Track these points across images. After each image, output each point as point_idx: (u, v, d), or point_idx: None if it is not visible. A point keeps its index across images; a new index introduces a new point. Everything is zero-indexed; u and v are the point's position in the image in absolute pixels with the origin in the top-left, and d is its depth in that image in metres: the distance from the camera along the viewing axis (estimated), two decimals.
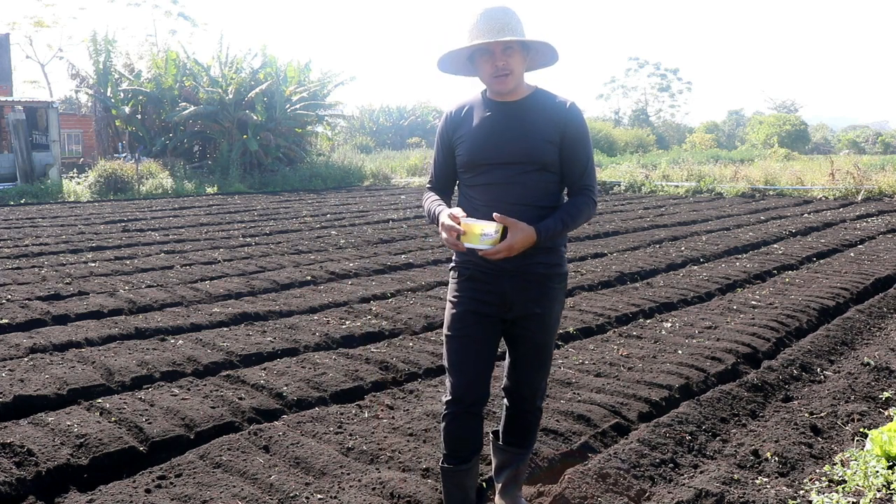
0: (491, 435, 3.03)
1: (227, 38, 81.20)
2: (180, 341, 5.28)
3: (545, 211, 2.60)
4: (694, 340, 5.31)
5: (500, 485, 2.95)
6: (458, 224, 2.49)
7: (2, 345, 5.12)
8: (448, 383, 2.71)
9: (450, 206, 2.73)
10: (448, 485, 2.76)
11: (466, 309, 2.68)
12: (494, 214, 2.49)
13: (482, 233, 2.46)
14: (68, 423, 3.71)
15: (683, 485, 3.07)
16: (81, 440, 3.52)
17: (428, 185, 2.88)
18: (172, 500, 3.05)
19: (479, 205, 2.63)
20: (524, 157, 2.58)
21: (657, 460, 3.28)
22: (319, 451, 3.45)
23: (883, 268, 8.00)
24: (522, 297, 2.64)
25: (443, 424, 2.74)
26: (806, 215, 13.91)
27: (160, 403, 4.04)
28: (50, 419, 3.77)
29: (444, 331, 2.75)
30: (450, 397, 2.70)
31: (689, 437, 3.57)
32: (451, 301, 2.74)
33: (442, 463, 2.76)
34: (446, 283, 7.46)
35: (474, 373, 2.68)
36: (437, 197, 2.79)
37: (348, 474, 3.25)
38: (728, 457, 3.43)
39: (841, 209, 15.10)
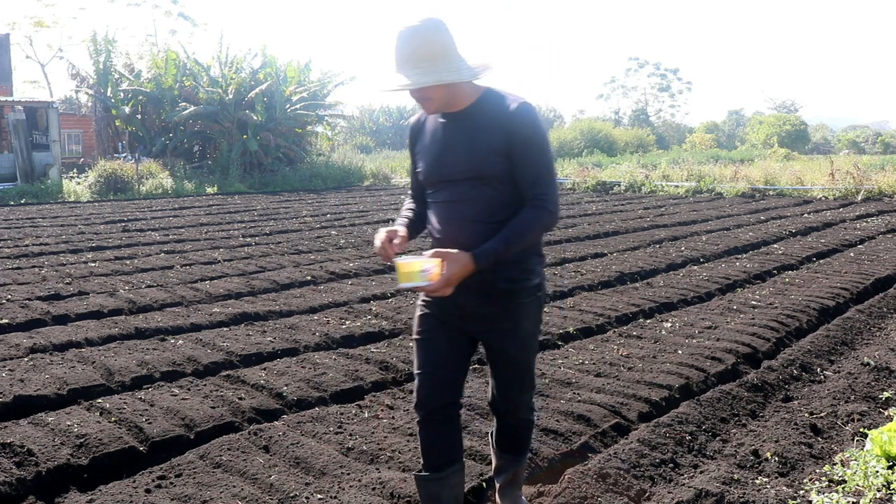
0: (489, 436, 3.00)
1: (227, 38, 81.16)
2: (180, 341, 5.28)
3: (500, 225, 2.44)
4: (694, 340, 5.31)
5: (499, 485, 2.93)
6: (393, 261, 2.40)
7: (2, 345, 5.12)
8: (414, 388, 2.66)
9: (413, 220, 2.72)
10: (422, 495, 2.66)
11: (431, 313, 2.63)
12: (430, 251, 2.39)
13: (421, 269, 2.35)
14: (68, 423, 3.71)
15: (683, 485, 3.07)
16: (81, 440, 3.52)
17: (409, 196, 2.82)
18: (172, 500, 3.05)
19: (435, 222, 2.56)
20: (470, 172, 2.45)
21: (657, 460, 3.29)
22: (319, 451, 3.45)
23: (883, 268, 8.00)
24: (485, 311, 2.54)
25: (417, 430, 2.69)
26: (806, 215, 13.91)
27: (160, 403, 4.04)
28: (50, 419, 3.77)
29: (413, 335, 2.70)
30: (414, 401, 2.65)
31: (689, 437, 3.57)
32: (419, 305, 2.69)
33: (418, 471, 2.69)
34: None
35: (436, 377, 2.60)
36: (411, 206, 2.76)
37: (348, 474, 3.25)
38: (728, 457, 3.43)
39: (841, 209, 15.10)
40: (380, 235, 2.52)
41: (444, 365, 2.61)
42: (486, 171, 2.44)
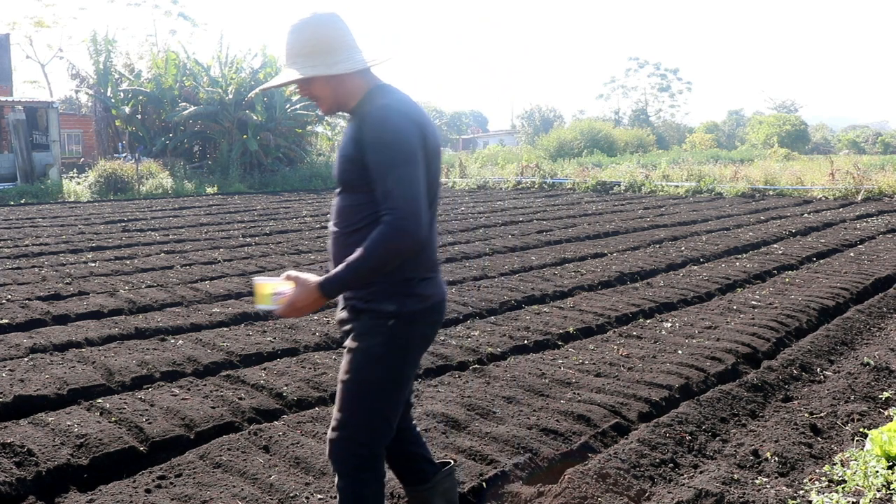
0: None
1: (227, 38, 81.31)
2: (180, 341, 5.28)
3: (358, 235, 2.26)
4: (694, 340, 5.31)
5: None
6: (252, 281, 2.32)
7: (2, 345, 5.12)
8: None
9: None
10: None
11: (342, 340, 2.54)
12: (284, 274, 2.30)
13: (273, 292, 2.28)
14: (68, 423, 3.71)
15: (683, 485, 3.07)
16: (81, 440, 3.52)
17: None
18: (172, 500, 3.05)
19: None
20: (336, 175, 2.35)
21: (657, 460, 3.29)
22: (319, 451, 3.45)
23: (883, 268, 8.00)
24: (345, 328, 2.42)
25: None
26: (806, 215, 13.91)
27: (160, 403, 4.04)
28: (50, 419, 3.77)
29: None
30: None
31: (689, 437, 3.57)
32: None
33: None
34: (446, 283, 7.46)
35: None
36: None
37: None
38: (728, 457, 3.43)
39: (841, 209, 15.10)
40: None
41: None
42: (342, 178, 2.31)
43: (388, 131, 2.18)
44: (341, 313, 2.44)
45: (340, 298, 2.43)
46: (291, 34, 2.30)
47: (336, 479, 2.38)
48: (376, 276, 2.23)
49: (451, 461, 2.71)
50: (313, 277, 2.23)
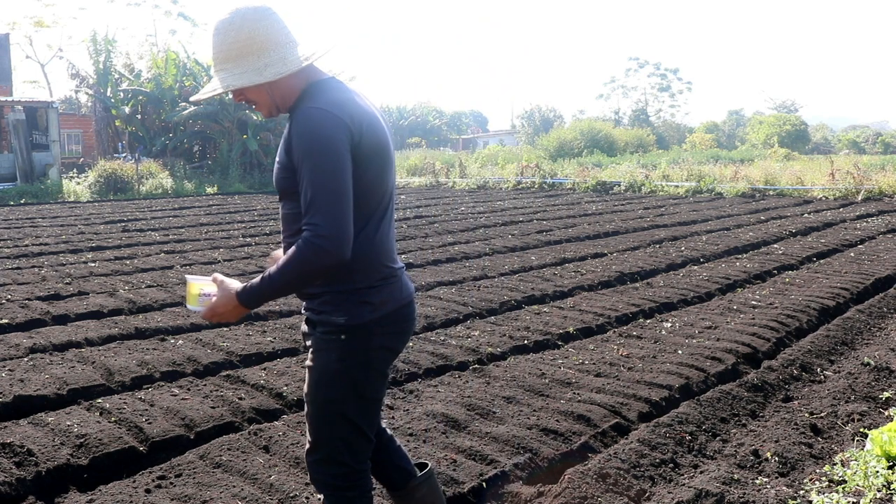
0: None
1: None
2: (180, 341, 5.28)
3: None
4: (694, 340, 5.30)
5: None
6: (185, 279, 2.20)
7: (2, 345, 5.12)
8: None
9: None
10: None
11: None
12: (212, 276, 2.19)
13: (200, 293, 2.20)
14: (68, 423, 3.71)
15: (683, 485, 3.07)
16: (81, 440, 3.52)
17: None
18: (172, 500, 3.05)
19: None
20: (275, 185, 2.19)
21: (657, 460, 3.28)
22: None
23: (883, 268, 8.00)
24: (305, 342, 2.28)
25: None
26: (806, 215, 13.91)
27: (160, 403, 4.03)
28: (50, 419, 3.77)
29: None
30: None
31: (689, 437, 3.57)
32: None
33: None
34: (446, 283, 7.47)
35: None
36: None
37: None
38: (728, 457, 3.43)
39: (841, 209, 15.10)
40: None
41: None
42: (278, 186, 2.15)
43: (310, 136, 1.99)
44: (303, 325, 2.31)
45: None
46: (216, 35, 2.09)
47: (321, 499, 2.27)
48: (295, 291, 2.12)
49: (428, 463, 2.59)
50: (236, 284, 2.12)
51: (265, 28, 2.08)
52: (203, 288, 2.19)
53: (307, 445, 2.26)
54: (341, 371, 2.15)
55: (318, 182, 1.96)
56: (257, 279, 2.06)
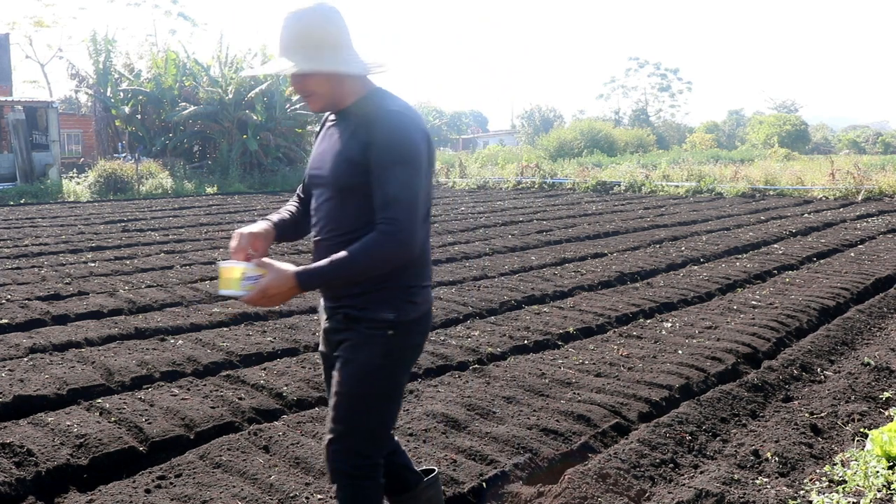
0: None
1: (226, 38, 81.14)
2: (180, 341, 5.27)
3: (347, 245, 2.16)
4: (694, 340, 5.30)
5: None
6: (217, 265, 2.20)
7: (2, 345, 5.12)
8: None
9: (285, 219, 2.45)
10: None
11: (320, 350, 2.49)
12: (255, 260, 2.19)
13: (244, 277, 2.14)
14: (68, 423, 3.71)
15: (684, 485, 3.07)
16: (81, 440, 3.52)
17: (296, 192, 2.57)
18: (172, 500, 3.05)
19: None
20: (327, 178, 2.23)
21: (657, 460, 3.28)
22: (319, 451, 3.45)
23: (883, 268, 8.00)
24: (335, 337, 2.32)
25: None
26: (806, 215, 13.91)
27: (160, 403, 4.03)
28: (50, 419, 3.77)
29: None
30: None
31: (689, 437, 3.57)
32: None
33: None
34: (445, 283, 7.46)
35: None
36: (290, 208, 2.50)
37: None
38: (728, 457, 3.43)
39: (841, 209, 15.10)
40: (237, 236, 2.29)
41: None
42: (338, 180, 2.19)
43: (402, 138, 2.11)
44: (330, 322, 2.33)
45: (323, 308, 2.37)
46: (296, 21, 2.16)
47: (335, 489, 2.30)
48: (357, 279, 2.15)
49: (435, 469, 2.63)
50: (288, 266, 2.15)
51: (342, 27, 2.20)
52: (246, 271, 2.15)
53: (330, 435, 2.27)
54: (383, 366, 2.23)
55: (405, 182, 2.09)
56: (321, 262, 2.12)
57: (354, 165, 2.14)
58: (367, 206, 2.15)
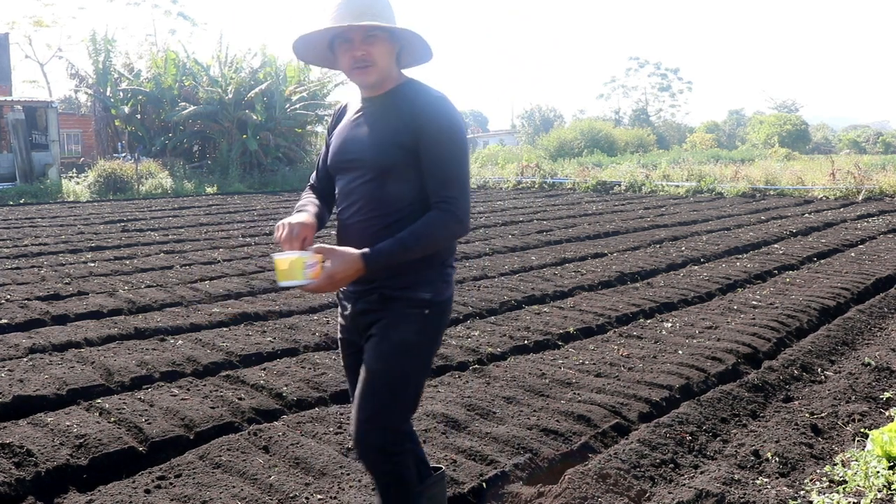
0: None
1: (226, 38, 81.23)
2: (180, 341, 5.27)
3: (398, 224, 2.24)
4: (694, 340, 5.30)
5: None
6: (272, 258, 2.19)
7: (1, 345, 5.12)
8: None
9: (319, 211, 2.47)
10: None
11: (339, 337, 2.53)
12: (314, 246, 2.20)
13: (305, 266, 2.13)
14: (68, 423, 3.70)
15: (684, 485, 3.07)
16: (81, 440, 3.51)
17: (309, 185, 2.61)
18: (172, 500, 3.05)
19: (337, 213, 2.39)
20: (368, 160, 2.26)
21: (657, 460, 3.28)
22: (319, 451, 3.45)
23: (884, 268, 7.99)
24: (365, 319, 2.34)
25: None
26: (807, 215, 13.91)
27: (160, 404, 4.03)
28: (49, 419, 3.76)
29: None
30: None
31: (689, 438, 3.56)
32: (338, 325, 2.56)
33: None
34: None
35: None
36: (313, 198, 2.51)
37: (348, 474, 3.25)
38: (728, 457, 3.42)
39: (842, 209, 15.10)
40: (287, 227, 2.27)
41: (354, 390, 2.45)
42: (380, 162, 2.24)
43: (453, 124, 2.23)
44: (360, 305, 2.35)
45: (349, 294, 2.38)
46: None
47: (369, 466, 2.33)
48: (416, 257, 2.22)
49: (441, 467, 2.65)
50: (350, 249, 2.17)
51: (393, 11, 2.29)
52: (306, 260, 2.15)
53: (363, 414, 2.28)
54: (418, 343, 2.29)
55: (459, 163, 2.22)
56: (384, 243, 2.17)
57: (403, 149, 2.21)
58: (409, 187, 2.24)
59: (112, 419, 3.80)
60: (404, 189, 2.24)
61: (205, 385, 4.36)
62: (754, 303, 6.45)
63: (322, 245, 2.19)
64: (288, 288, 2.30)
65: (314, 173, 2.59)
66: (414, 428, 3.73)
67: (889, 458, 3.18)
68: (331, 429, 3.75)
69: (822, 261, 8.77)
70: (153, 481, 3.19)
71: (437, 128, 2.21)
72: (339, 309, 2.51)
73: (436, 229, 2.20)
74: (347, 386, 2.58)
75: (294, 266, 2.13)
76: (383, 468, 2.31)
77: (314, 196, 2.54)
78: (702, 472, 3.24)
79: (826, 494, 3.00)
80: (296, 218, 2.33)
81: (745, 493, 2.98)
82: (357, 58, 2.23)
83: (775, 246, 9.91)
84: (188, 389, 4.29)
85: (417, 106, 2.23)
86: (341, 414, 3.96)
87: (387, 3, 2.25)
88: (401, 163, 2.22)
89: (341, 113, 2.47)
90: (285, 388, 4.31)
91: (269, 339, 5.37)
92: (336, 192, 2.42)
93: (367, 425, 2.28)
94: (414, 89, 2.28)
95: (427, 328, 2.30)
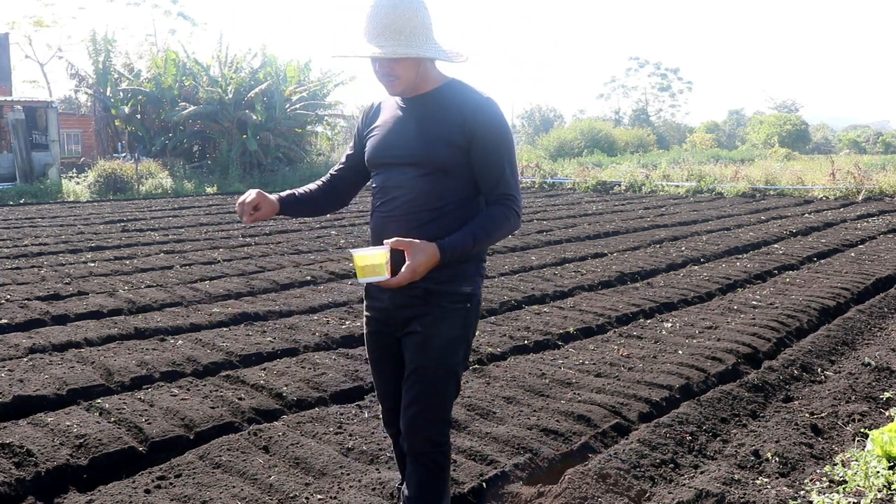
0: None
1: (226, 38, 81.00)
2: (180, 341, 5.27)
3: (442, 218, 2.32)
4: (694, 340, 5.30)
5: None
6: (350, 253, 2.29)
7: (1, 345, 5.12)
8: None
9: (307, 196, 2.59)
10: None
11: (368, 329, 2.56)
12: (387, 241, 2.25)
13: (385, 261, 2.21)
14: (68, 423, 3.70)
15: (684, 485, 3.07)
16: (81, 440, 3.51)
17: (329, 173, 2.68)
18: (172, 500, 3.05)
19: (374, 207, 2.46)
20: (414, 157, 2.32)
21: (657, 460, 3.28)
22: (319, 451, 3.45)
23: (884, 268, 7.99)
24: (404, 314, 2.39)
25: None
26: (806, 215, 13.91)
27: (160, 404, 4.03)
28: (49, 419, 3.76)
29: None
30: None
31: (689, 438, 3.56)
32: (364, 319, 2.61)
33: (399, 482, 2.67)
34: None
35: (385, 396, 2.57)
36: (316, 185, 2.62)
37: (348, 474, 3.25)
38: (728, 457, 3.42)
39: (842, 209, 15.10)
40: (249, 195, 2.43)
41: (386, 383, 2.56)
42: (432, 159, 2.31)
43: (503, 124, 2.34)
44: (399, 299, 2.38)
45: (382, 288, 2.41)
46: (390, 9, 2.22)
47: (419, 460, 2.39)
48: (480, 250, 2.35)
49: None
50: (424, 242, 2.24)
51: (428, 16, 2.31)
52: (386, 256, 2.22)
53: (415, 409, 2.36)
54: (463, 336, 2.41)
55: (511, 162, 2.35)
56: (456, 235, 2.27)
57: (454, 147, 2.30)
58: (455, 184, 2.34)
59: (112, 419, 3.80)
60: (451, 185, 2.33)
61: (205, 385, 4.36)
62: (754, 303, 6.45)
63: (400, 239, 2.25)
64: (369, 283, 2.34)
65: (336, 164, 2.67)
66: None
67: (889, 458, 3.18)
68: (331, 429, 3.75)
69: (822, 261, 8.77)
70: (153, 481, 3.19)
71: (491, 130, 2.31)
72: (367, 302, 2.55)
73: (502, 223, 2.32)
74: (373, 379, 2.64)
75: (376, 262, 2.21)
76: (433, 458, 2.40)
77: (322, 184, 2.64)
78: (702, 472, 3.24)
79: (826, 494, 3.00)
80: (258, 191, 2.46)
81: (745, 493, 2.98)
82: (382, 73, 2.31)
83: (775, 246, 9.91)
84: (188, 389, 4.29)
85: (468, 108, 2.31)
86: (341, 414, 3.96)
87: (415, 13, 2.25)
88: (451, 160, 2.31)
89: (375, 110, 2.51)
90: (285, 388, 4.31)
91: (269, 339, 5.37)
92: (374, 186, 2.48)
93: (422, 419, 2.37)
94: (460, 91, 2.36)
95: (469, 322, 2.41)
